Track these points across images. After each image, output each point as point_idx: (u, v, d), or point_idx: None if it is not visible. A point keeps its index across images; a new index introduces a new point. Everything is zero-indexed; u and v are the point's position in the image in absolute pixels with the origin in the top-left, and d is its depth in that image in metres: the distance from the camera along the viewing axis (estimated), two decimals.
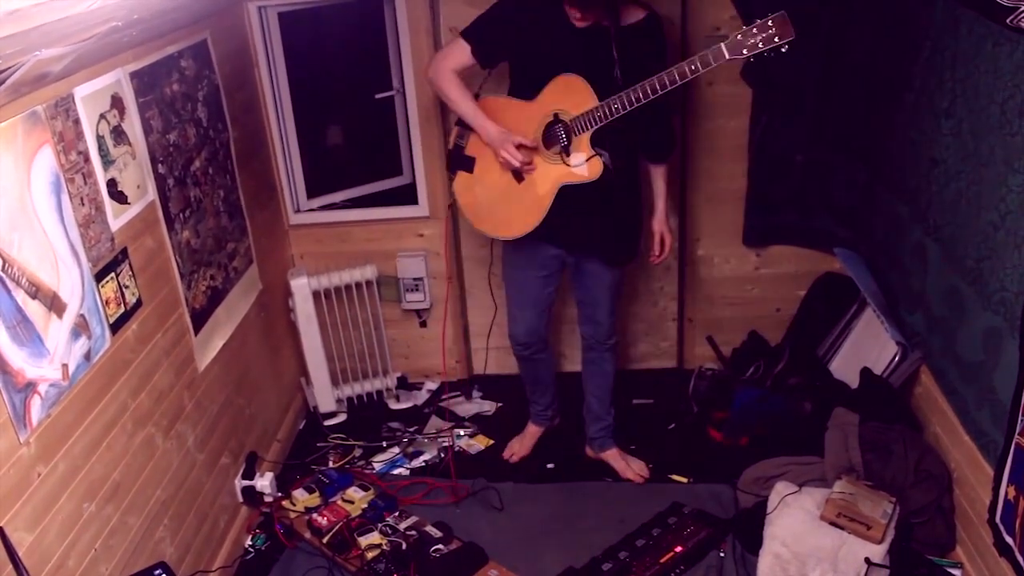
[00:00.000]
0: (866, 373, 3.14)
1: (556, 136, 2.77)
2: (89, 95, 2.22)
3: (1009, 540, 2.29)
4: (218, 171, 3.05)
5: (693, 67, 2.50)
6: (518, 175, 2.87)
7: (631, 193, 2.97)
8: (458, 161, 3.01)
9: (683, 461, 3.36)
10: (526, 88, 2.81)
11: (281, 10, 3.46)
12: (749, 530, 2.83)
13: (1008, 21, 2.21)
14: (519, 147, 2.80)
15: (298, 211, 3.77)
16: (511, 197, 2.90)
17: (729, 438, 3.38)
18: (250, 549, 3.09)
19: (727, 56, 2.46)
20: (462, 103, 2.87)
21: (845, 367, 3.38)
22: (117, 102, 2.37)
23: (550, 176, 2.81)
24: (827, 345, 3.56)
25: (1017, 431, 2.24)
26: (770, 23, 2.40)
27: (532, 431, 3.52)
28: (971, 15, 2.50)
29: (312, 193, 3.80)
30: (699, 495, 3.15)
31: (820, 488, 2.81)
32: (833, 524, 2.64)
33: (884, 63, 3.20)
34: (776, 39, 2.40)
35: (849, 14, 3.23)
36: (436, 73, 2.89)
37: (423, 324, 3.92)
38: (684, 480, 3.27)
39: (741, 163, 3.57)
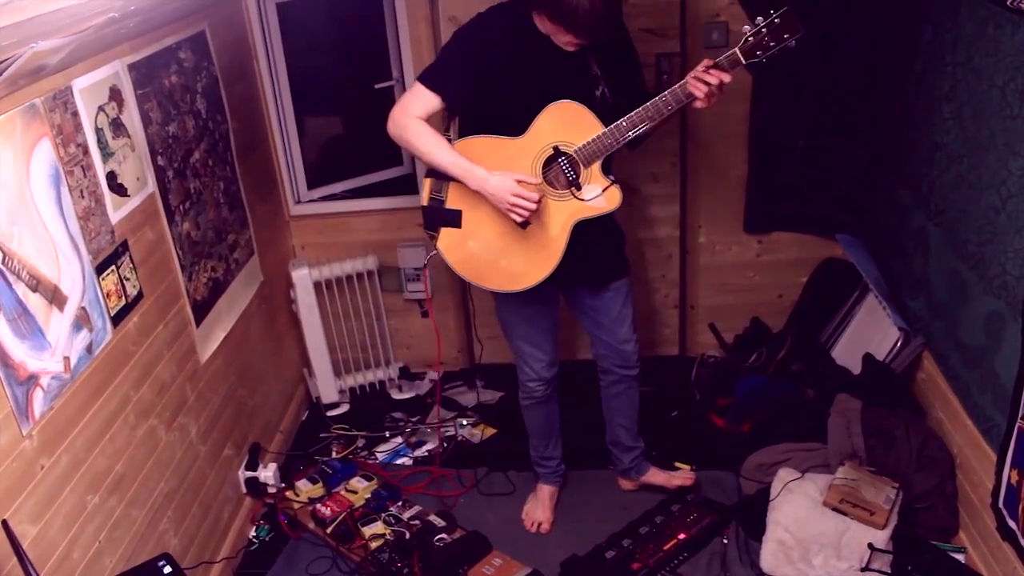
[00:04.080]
0: (868, 359, 3.14)
1: (561, 170, 2.48)
2: (87, 87, 2.22)
3: (1012, 525, 2.29)
4: (218, 163, 3.05)
5: None
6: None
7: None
8: (439, 217, 2.60)
9: (686, 448, 3.36)
10: (505, 124, 2.48)
11: (279, 0, 3.45)
12: (752, 516, 2.83)
13: (1009, 3, 2.20)
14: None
15: (299, 202, 3.76)
16: (517, 245, 2.57)
17: (732, 425, 3.37)
18: (254, 540, 3.10)
19: (744, 62, 2.27)
20: (440, 153, 2.48)
21: (847, 353, 3.38)
22: (115, 94, 2.36)
23: (561, 214, 2.51)
24: (829, 331, 3.55)
25: (1020, 415, 2.23)
26: (776, 19, 2.21)
27: (548, 492, 3.14)
28: None
29: (312, 184, 3.79)
30: (702, 482, 3.15)
31: (823, 474, 2.81)
32: (836, 510, 2.64)
33: (884, 47, 3.18)
34: (785, 36, 2.21)
35: None
36: (402, 126, 2.51)
37: (425, 314, 3.92)
38: (687, 467, 3.27)
39: (742, 149, 3.55)
